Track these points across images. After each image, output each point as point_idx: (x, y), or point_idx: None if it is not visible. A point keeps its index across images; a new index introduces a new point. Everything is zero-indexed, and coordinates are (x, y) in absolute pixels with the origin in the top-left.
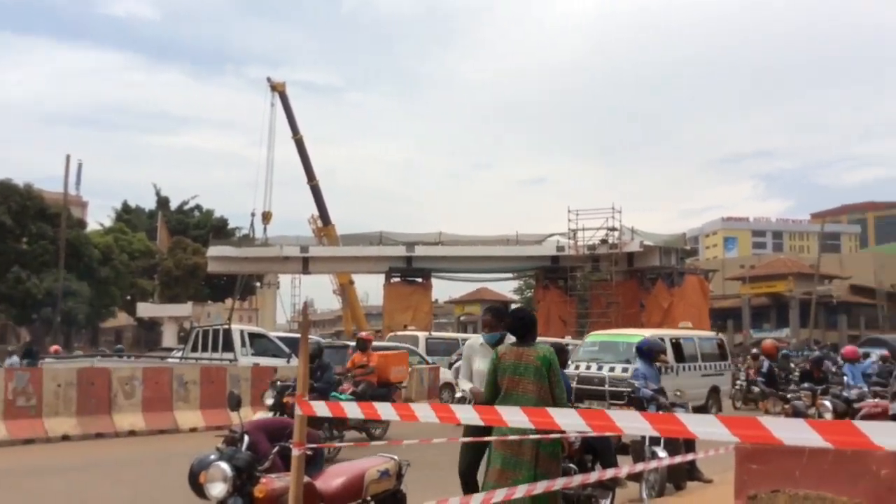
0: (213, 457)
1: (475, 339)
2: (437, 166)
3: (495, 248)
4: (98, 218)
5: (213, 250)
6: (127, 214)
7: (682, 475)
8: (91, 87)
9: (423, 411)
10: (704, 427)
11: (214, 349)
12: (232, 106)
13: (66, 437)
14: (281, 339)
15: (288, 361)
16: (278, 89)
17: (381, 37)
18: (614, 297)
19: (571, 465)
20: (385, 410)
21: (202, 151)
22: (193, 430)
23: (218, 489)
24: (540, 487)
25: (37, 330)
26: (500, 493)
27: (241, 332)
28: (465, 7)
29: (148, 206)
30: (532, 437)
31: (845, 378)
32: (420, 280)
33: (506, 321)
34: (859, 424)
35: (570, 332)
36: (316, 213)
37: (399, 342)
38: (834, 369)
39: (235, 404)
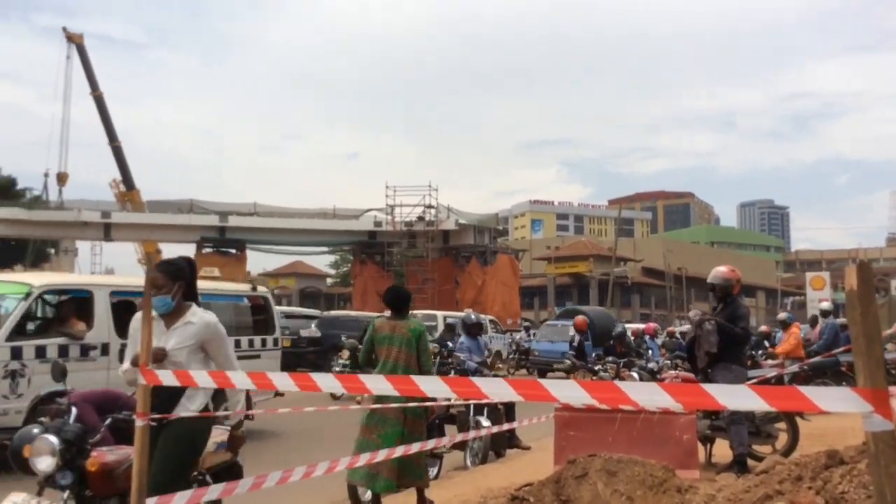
0: (36, 430)
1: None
2: (247, 135)
3: (312, 220)
4: None
5: (2, 212)
6: None
7: (503, 443)
8: None
9: (281, 380)
10: (567, 392)
11: None
12: (19, 56)
13: None
14: None
15: None
16: (75, 40)
17: None
18: (430, 274)
19: None
20: (239, 379)
21: None
22: None
23: (45, 463)
24: (398, 451)
25: None
26: (364, 458)
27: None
28: None
29: None
30: (395, 405)
31: (650, 352)
32: (234, 251)
33: (383, 297)
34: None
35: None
36: (118, 176)
37: None
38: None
39: (60, 375)
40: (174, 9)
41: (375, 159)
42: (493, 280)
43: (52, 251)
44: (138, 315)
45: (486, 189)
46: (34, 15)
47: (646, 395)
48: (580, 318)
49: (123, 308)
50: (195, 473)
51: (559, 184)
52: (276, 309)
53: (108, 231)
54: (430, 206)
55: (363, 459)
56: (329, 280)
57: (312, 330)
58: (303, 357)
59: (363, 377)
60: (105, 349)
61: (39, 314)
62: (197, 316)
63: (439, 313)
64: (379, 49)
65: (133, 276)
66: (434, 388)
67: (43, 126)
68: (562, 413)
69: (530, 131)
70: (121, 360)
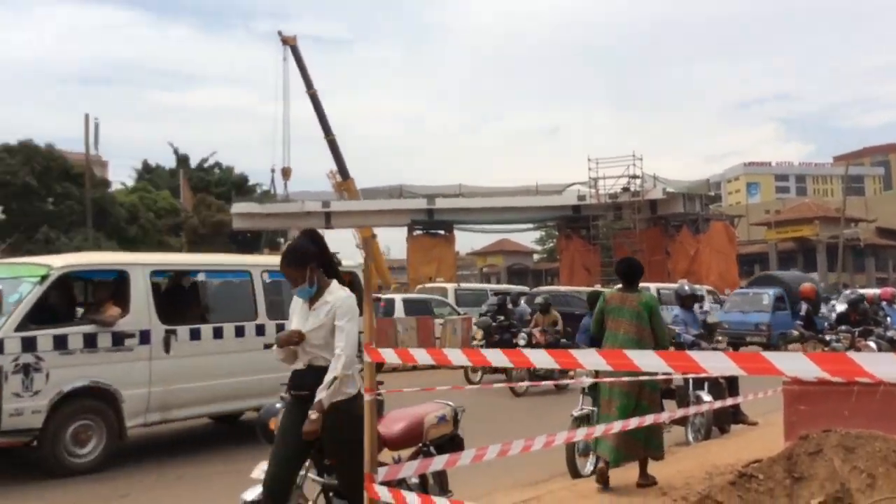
0: (279, 405)
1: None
2: (449, 118)
3: (516, 198)
4: (119, 177)
5: (238, 207)
6: (148, 173)
7: (727, 418)
8: (98, 45)
9: (495, 356)
10: (794, 364)
11: None
12: (242, 61)
13: None
14: None
15: None
16: (290, 43)
17: None
18: (638, 245)
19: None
20: (455, 356)
21: (214, 108)
22: None
23: None
24: (633, 423)
25: None
26: (600, 429)
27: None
28: None
29: (168, 164)
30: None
31: (888, 319)
32: (442, 232)
33: (616, 268)
34: None
35: (596, 280)
36: (334, 167)
37: (428, 294)
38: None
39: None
40: (377, 3)
41: (576, 133)
42: (707, 248)
43: (282, 240)
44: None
45: (694, 155)
46: (253, 22)
47: (885, 366)
48: (807, 285)
49: (172, 291)
50: (419, 445)
51: (776, 143)
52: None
53: (328, 219)
54: (634, 177)
55: (598, 431)
56: (535, 256)
57: (523, 307)
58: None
59: (575, 352)
60: (145, 337)
61: (64, 299)
62: (333, 294)
63: (652, 285)
64: (574, 20)
65: (176, 254)
66: (649, 362)
67: (267, 125)
68: (791, 387)
69: (740, 90)
70: (166, 349)
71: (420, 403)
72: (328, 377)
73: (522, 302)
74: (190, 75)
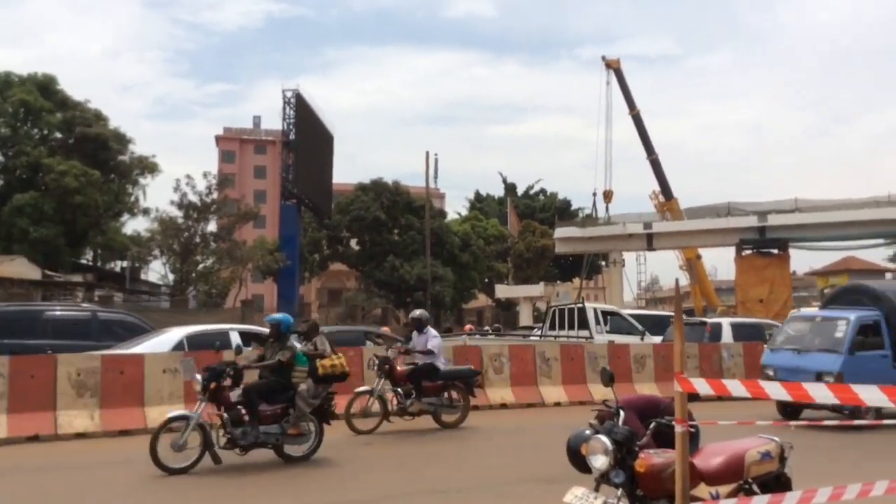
0: (588, 431)
1: None
2: (788, 126)
3: (863, 211)
4: (454, 207)
5: (560, 231)
6: (479, 203)
7: None
8: (440, 87)
9: (819, 392)
10: None
11: (570, 327)
12: (568, 90)
13: None
14: (633, 316)
15: (642, 339)
16: (613, 66)
17: None
18: None
19: None
20: (773, 390)
21: (542, 137)
22: (557, 404)
23: (600, 461)
24: None
25: (411, 312)
26: None
27: (595, 310)
28: None
29: (497, 193)
30: None
31: None
32: (776, 251)
33: None
34: None
35: None
36: (657, 188)
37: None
38: None
39: (609, 380)
40: (703, 14)
41: None
42: None
43: (603, 263)
44: None
45: None
46: (577, 50)
47: None
48: None
49: None
50: (740, 482)
51: None
52: None
53: (650, 241)
54: None
55: None
56: (888, 275)
57: None
58: None
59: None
60: None
61: None
62: None
63: None
64: None
65: None
66: None
67: (589, 149)
68: None
69: None
70: None
71: (741, 437)
72: None
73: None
74: (519, 107)
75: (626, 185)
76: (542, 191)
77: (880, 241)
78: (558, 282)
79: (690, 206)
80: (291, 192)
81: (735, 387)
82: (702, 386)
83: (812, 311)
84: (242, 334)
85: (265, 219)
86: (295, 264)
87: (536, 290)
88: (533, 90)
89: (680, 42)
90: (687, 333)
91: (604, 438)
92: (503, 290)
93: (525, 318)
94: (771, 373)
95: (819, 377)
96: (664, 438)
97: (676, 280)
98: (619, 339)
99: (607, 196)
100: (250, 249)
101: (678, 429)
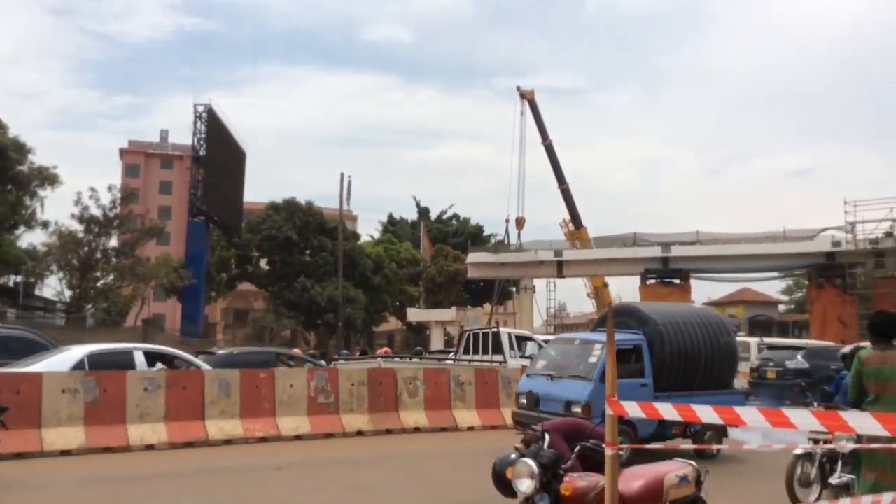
0: (513, 455)
1: None
2: (687, 163)
3: (760, 245)
4: (367, 230)
5: (472, 257)
6: (392, 226)
7: None
8: (354, 110)
9: (750, 415)
10: None
11: (485, 351)
12: (481, 117)
13: (360, 433)
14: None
15: None
16: (527, 97)
17: (625, 37)
18: None
19: None
20: (704, 413)
21: (455, 163)
22: (470, 428)
23: (526, 485)
24: None
25: (321, 334)
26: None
27: (510, 334)
28: None
29: (410, 216)
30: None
31: None
32: (678, 281)
33: (870, 323)
34: None
35: (851, 334)
36: (567, 216)
37: None
38: None
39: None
40: (611, 53)
41: (830, 175)
42: None
43: (514, 289)
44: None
45: None
46: (493, 80)
47: None
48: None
49: None
50: None
51: None
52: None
53: (560, 268)
54: None
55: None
56: (781, 307)
57: (799, 361)
58: (789, 390)
59: (845, 415)
60: None
61: None
62: None
63: None
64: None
65: None
66: None
67: (502, 177)
68: None
69: None
70: None
71: (662, 461)
72: None
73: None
74: (432, 132)
75: (538, 212)
76: (455, 216)
77: (774, 274)
78: (469, 307)
79: (599, 236)
80: (200, 209)
81: (667, 410)
82: (633, 409)
83: (574, 334)
84: (148, 354)
85: (170, 236)
86: (201, 283)
87: (448, 314)
88: (447, 116)
89: (588, 77)
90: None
91: (530, 462)
92: (415, 314)
93: (436, 341)
94: (524, 401)
95: (568, 407)
96: (589, 461)
97: (610, 304)
98: None
99: (520, 223)
100: (154, 266)
101: (608, 452)
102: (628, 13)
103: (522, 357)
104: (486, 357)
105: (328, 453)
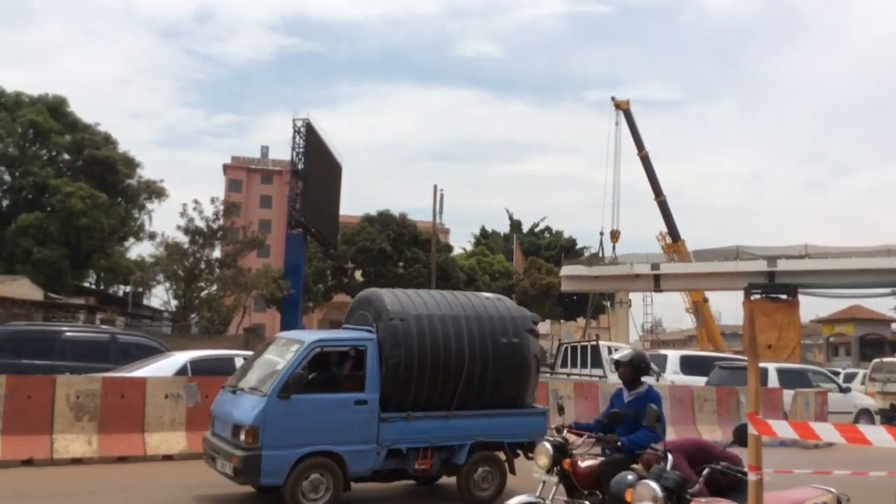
0: (630, 476)
1: None
2: (790, 176)
3: (873, 259)
4: (458, 243)
5: (566, 269)
6: (484, 238)
7: None
8: (446, 124)
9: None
10: None
11: (583, 365)
12: (573, 130)
13: None
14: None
15: (657, 380)
16: (622, 107)
17: (721, 46)
18: None
19: None
20: (825, 431)
21: (546, 176)
22: None
23: None
24: None
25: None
26: None
27: (609, 348)
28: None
29: (502, 229)
30: None
31: None
32: (785, 297)
33: None
34: None
35: None
36: (664, 229)
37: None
38: None
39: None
40: (709, 62)
41: None
42: None
43: (607, 304)
44: None
45: None
46: (584, 92)
47: None
48: None
49: None
50: None
51: None
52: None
53: (657, 282)
54: None
55: None
56: (894, 325)
57: None
58: None
59: None
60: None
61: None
62: None
63: None
64: None
65: None
66: None
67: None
68: None
69: None
70: None
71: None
72: None
73: None
74: (524, 146)
75: (631, 226)
76: (548, 229)
77: (887, 290)
78: (562, 320)
79: (698, 249)
80: (298, 221)
81: (825, 430)
82: (781, 429)
83: (290, 333)
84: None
85: (270, 248)
86: (299, 293)
87: (543, 327)
88: (538, 130)
89: (684, 88)
90: (730, 377)
91: (653, 484)
92: None
93: None
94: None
95: (236, 431)
96: (714, 485)
97: (746, 313)
98: None
99: (615, 236)
100: (254, 277)
101: (752, 476)
102: (724, 23)
103: None
104: (584, 371)
105: None
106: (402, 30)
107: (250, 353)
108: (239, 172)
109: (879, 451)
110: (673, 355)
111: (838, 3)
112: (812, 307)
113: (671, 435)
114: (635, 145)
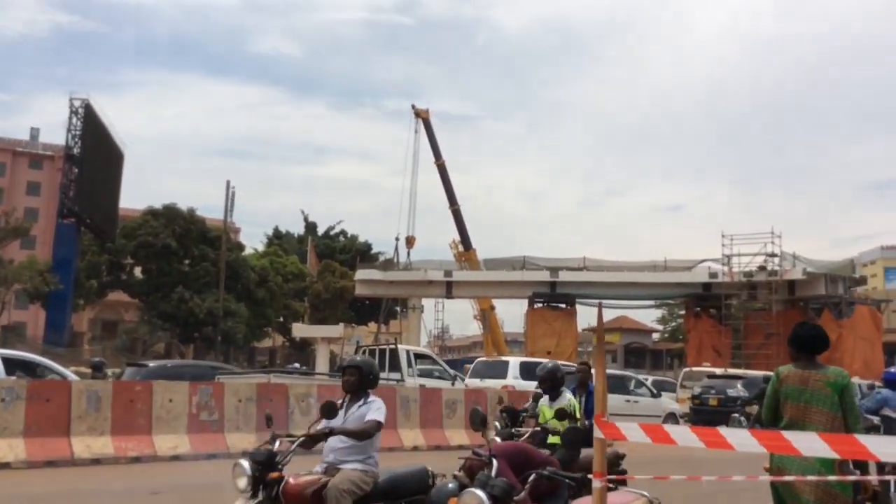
0: (451, 485)
1: None
2: (570, 193)
3: (643, 274)
4: (251, 243)
5: (361, 273)
6: (278, 239)
7: None
8: (241, 120)
9: (682, 435)
10: None
11: (381, 369)
12: (371, 137)
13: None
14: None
15: (453, 384)
16: (422, 116)
17: (514, 68)
18: (774, 328)
19: None
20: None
21: (342, 180)
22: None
23: None
24: None
25: (199, 348)
26: None
27: (408, 352)
28: (599, 34)
29: (297, 231)
30: (813, 478)
31: None
32: (564, 306)
33: (792, 335)
34: None
35: (725, 363)
36: (457, 237)
37: None
38: None
39: (480, 423)
40: (502, 82)
41: (701, 211)
42: (851, 335)
43: (399, 309)
44: None
45: (823, 238)
46: (384, 100)
47: None
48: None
49: None
50: None
51: None
52: None
53: (449, 289)
54: (772, 255)
55: None
56: (655, 335)
57: (739, 389)
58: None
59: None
60: None
61: None
62: None
63: None
64: (698, 98)
65: None
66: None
67: (392, 197)
68: None
69: (871, 171)
70: None
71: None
72: None
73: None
74: (321, 149)
75: (429, 234)
76: (343, 232)
77: (651, 302)
78: (354, 325)
79: (488, 258)
80: (71, 210)
81: (683, 435)
82: (631, 431)
83: None
84: (7, 361)
85: (36, 239)
86: (68, 289)
87: (336, 330)
88: (336, 133)
89: (480, 106)
90: (487, 369)
91: (479, 493)
92: (300, 329)
93: (322, 359)
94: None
95: None
96: (537, 492)
97: (600, 312)
98: (430, 382)
99: (409, 242)
100: (16, 269)
101: (597, 483)
102: (517, 46)
103: (420, 376)
104: (382, 374)
105: (208, 477)
106: (195, 17)
107: (10, 351)
108: (3, 155)
109: (683, 451)
110: (514, 362)
111: (618, 38)
112: (585, 317)
113: (419, 437)
114: (433, 154)
